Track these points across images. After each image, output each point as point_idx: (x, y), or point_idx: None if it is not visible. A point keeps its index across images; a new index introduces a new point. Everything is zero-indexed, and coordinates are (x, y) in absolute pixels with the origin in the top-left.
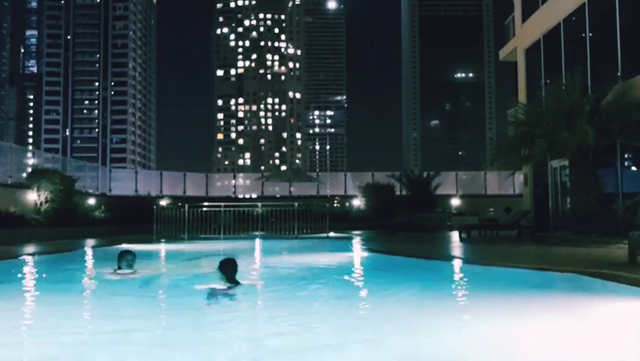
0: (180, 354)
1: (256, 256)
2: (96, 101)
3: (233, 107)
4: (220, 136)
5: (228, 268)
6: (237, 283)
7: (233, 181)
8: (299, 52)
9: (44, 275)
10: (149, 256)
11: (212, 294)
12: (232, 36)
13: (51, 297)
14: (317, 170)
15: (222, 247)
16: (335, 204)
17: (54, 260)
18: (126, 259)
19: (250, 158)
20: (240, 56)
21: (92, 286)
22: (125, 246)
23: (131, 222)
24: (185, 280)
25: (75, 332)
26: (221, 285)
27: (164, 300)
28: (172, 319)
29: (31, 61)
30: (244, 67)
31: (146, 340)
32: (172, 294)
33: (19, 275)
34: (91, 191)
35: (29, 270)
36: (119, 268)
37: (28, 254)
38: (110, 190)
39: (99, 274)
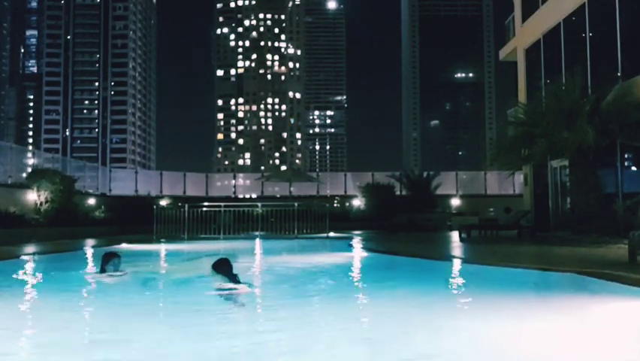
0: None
1: (256, 257)
2: (96, 101)
3: (233, 107)
4: (220, 136)
5: (223, 268)
6: (238, 282)
7: (233, 181)
8: (299, 52)
9: (29, 278)
10: (146, 256)
11: (216, 295)
12: (232, 36)
13: (29, 301)
14: (317, 170)
15: (222, 246)
16: (335, 204)
17: (46, 261)
18: (113, 263)
19: (250, 158)
20: (240, 56)
21: (78, 290)
22: (124, 246)
23: (131, 222)
24: (179, 280)
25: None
26: (228, 285)
27: (157, 302)
28: (169, 320)
29: (31, 61)
30: (244, 67)
31: (140, 344)
32: (165, 295)
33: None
34: (91, 191)
35: (17, 272)
36: (103, 270)
37: (18, 256)
38: (110, 190)
39: (86, 276)
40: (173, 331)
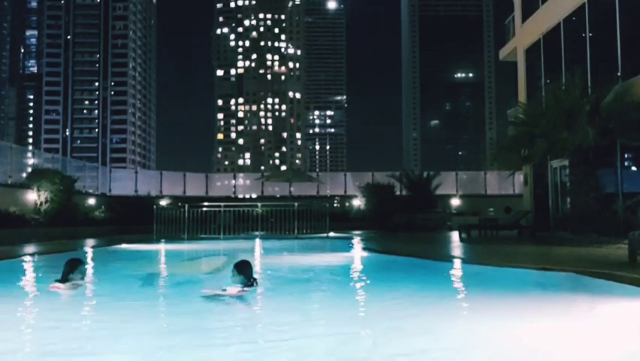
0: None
1: (256, 257)
2: (96, 101)
3: (233, 107)
4: (220, 136)
5: (244, 270)
6: (251, 285)
7: (233, 181)
8: (299, 52)
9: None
10: (145, 257)
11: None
12: (232, 36)
13: None
14: (317, 170)
15: (222, 246)
16: (335, 204)
17: (24, 264)
18: (80, 270)
19: (250, 158)
20: (240, 56)
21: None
22: (124, 246)
23: (131, 222)
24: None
25: None
26: (233, 288)
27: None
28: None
29: (31, 61)
30: (244, 67)
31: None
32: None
33: None
34: (91, 191)
35: None
36: (65, 280)
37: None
38: (110, 190)
39: (42, 287)
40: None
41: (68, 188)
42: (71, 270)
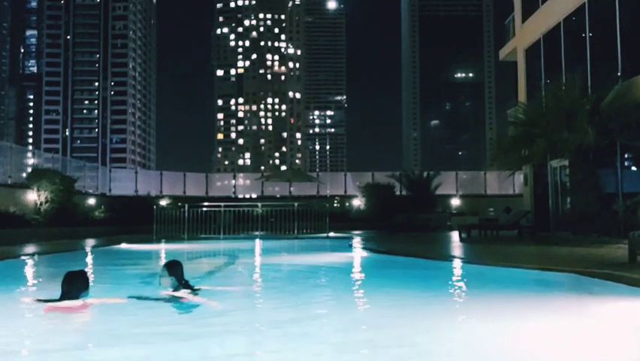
0: None
1: (256, 256)
2: (96, 101)
3: (233, 107)
4: (220, 136)
5: (176, 271)
6: (192, 288)
7: (233, 181)
8: (299, 52)
9: None
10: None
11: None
12: (232, 36)
13: None
14: (317, 170)
15: (222, 246)
16: (335, 204)
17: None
18: (85, 288)
19: (250, 158)
20: (240, 56)
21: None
22: (124, 246)
23: (131, 222)
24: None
25: None
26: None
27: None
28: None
29: (31, 61)
30: (244, 67)
31: None
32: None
33: None
34: (91, 191)
35: None
36: (69, 298)
37: None
38: (110, 190)
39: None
40: None
41: (68, 188)
42: (81, 288)
